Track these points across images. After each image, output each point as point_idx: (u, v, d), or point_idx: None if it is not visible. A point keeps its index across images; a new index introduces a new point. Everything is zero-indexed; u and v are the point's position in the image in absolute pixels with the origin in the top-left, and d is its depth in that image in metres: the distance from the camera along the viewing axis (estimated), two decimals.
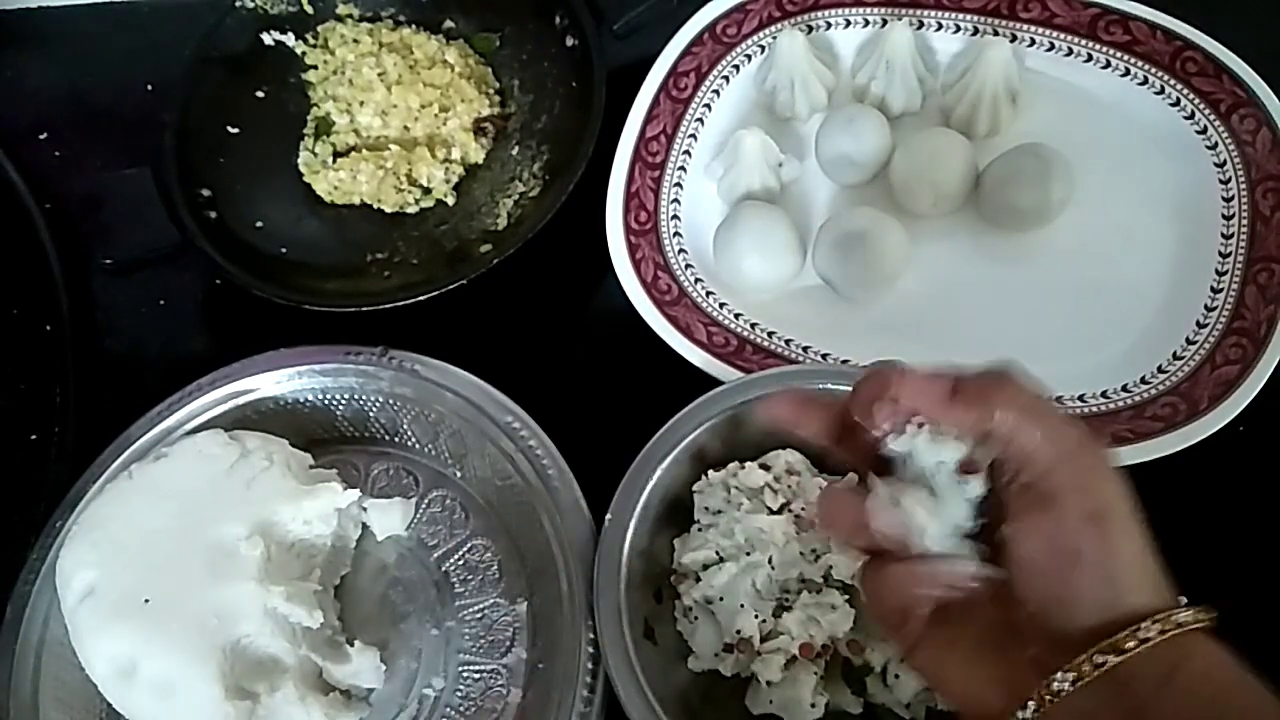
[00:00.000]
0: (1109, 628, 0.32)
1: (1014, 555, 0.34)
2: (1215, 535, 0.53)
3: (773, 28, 0.67)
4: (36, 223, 0.68)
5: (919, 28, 0.66)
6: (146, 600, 0.47)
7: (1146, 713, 0.31)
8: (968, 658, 0.35)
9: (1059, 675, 0.32)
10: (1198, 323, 0.56)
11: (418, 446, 0.59)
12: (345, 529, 0.55)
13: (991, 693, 0.34)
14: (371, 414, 0.59)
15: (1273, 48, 0.61)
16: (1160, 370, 0.55)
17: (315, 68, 0.73)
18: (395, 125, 0.71)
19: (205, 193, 0.67)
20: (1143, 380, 0.55)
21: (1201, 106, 0.61)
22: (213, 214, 0.66)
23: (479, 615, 0.54)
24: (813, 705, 0.47)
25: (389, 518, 0.56)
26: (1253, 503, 0.55)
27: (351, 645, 0.51)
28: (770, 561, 0.49)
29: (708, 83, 0.67)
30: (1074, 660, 0.32)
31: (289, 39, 0.73)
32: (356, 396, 0.58)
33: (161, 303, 0.68)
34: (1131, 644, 0.31)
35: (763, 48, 0.67)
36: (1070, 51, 0.64)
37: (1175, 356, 0.56)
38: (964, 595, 0.35)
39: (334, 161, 0.70)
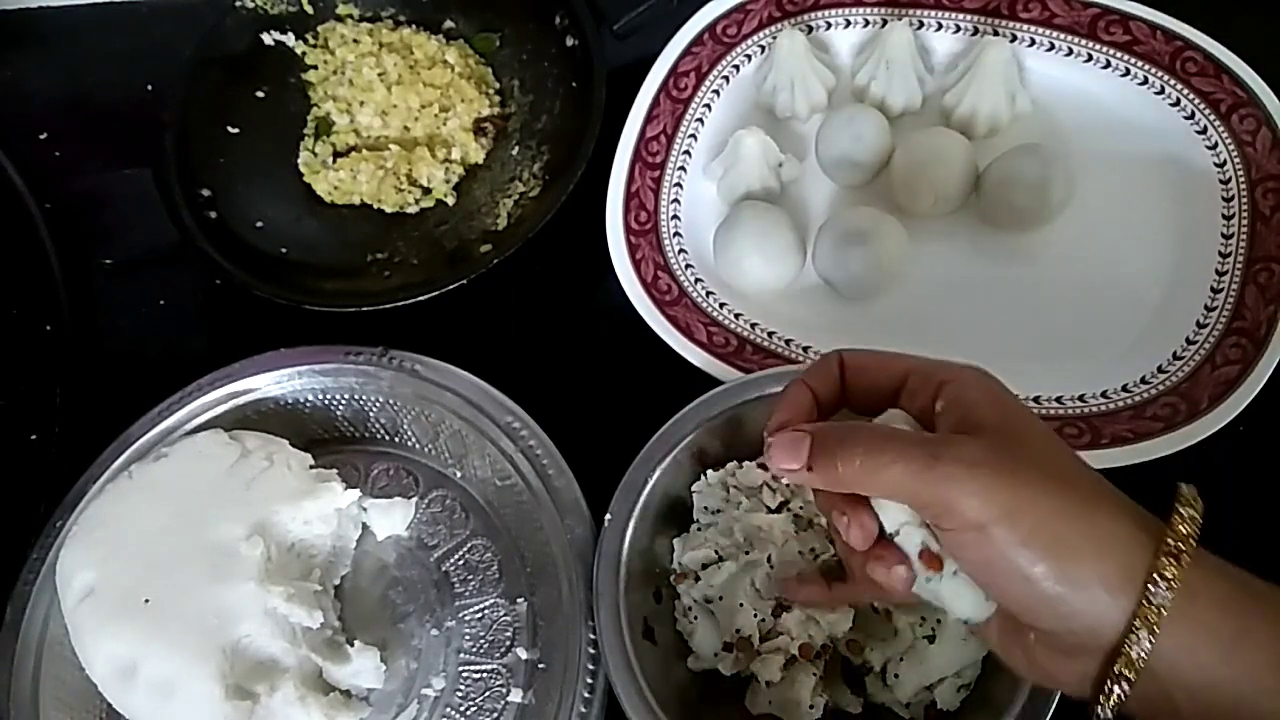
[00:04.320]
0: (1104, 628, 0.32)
1: (961, 564, 0.34)
2: (1215, 536, 0.53)
3: (773, 28, 0.67)
4: (36, 223, 0.68)
5: (919, 28, 0.66)
6: (146, 600, 0.47)
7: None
8: (1000, 634, 0.35)
9: (1114, 693, 0.32)
10: (1198, 323, 0.56)
11: (418, 446, 0.59)
12: (345, 529, 0.55)
13: (1029, 668, 0.35)
14: (371, 414, 0.59)
15: (1273, 48, 0.61)
16: (1160, 370, 0.55)
17: (315, 68, 0.73)
18: (395, 125, 0.71)
19: (205, 193, 0.67)
20: (1143, 380, 0.55)
21: (1201, 106, 0.61)
22: (213, 214, 0.66)
23: (479, 615, 0.54)
24: (812, 706, 0.47)
25: (389, 518, 0.56)
26: (1253, 503, 0.55)
27: (351, 645, 0.51)
28: (769, 560, 0.49)
29: (708, 83, 0.67)
30: (1110, 686, 0.32)
31: (289, 39, 0.73)
32: (356, 396, 0.58)
33: (161, 303, 0.68)
34: (1147, 634, 0.31)
35: (763, 48, 0.67)
36: (1070, 51, 0.64)
37: (1175, 356, 0.56)
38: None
39: (334, 161, 0.70)
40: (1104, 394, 0.55)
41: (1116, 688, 0.32)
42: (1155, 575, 0.31)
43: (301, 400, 0.59)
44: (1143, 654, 0.31)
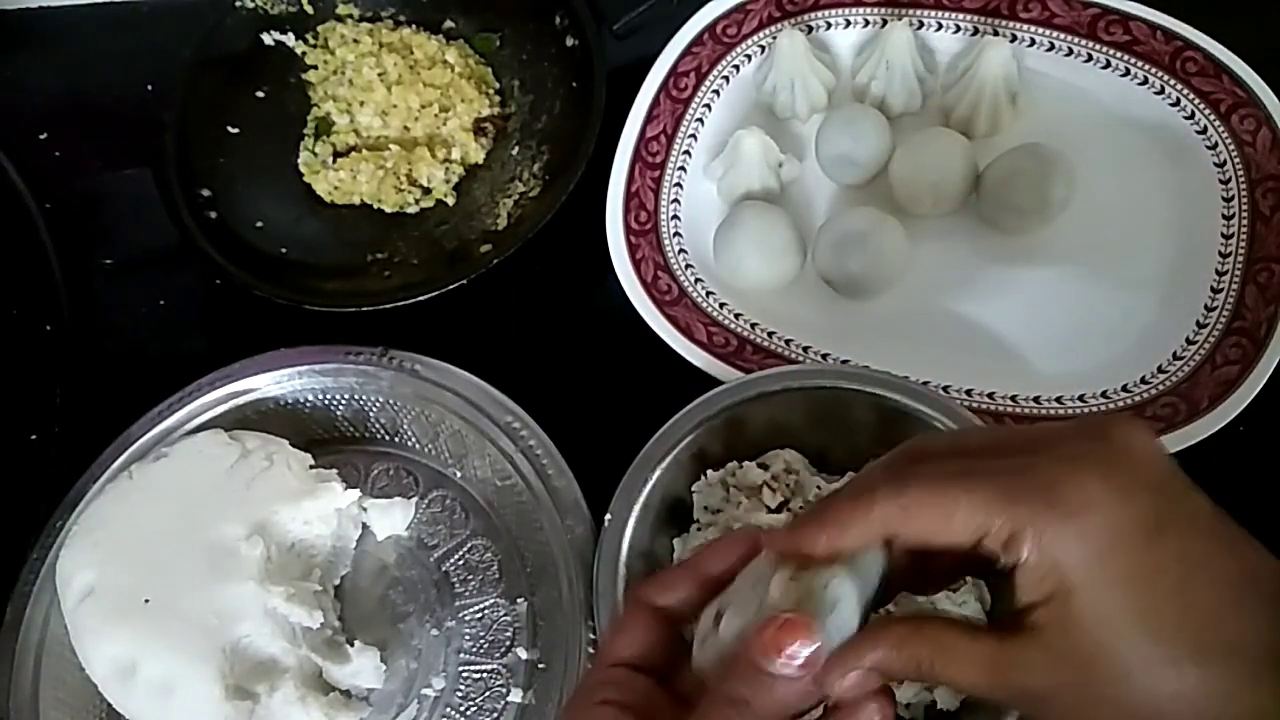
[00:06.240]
0: None
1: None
2: None
3: (773, 28, 0.67)
4: (36, 223, 0.68)
5: (919, 28, 0.66)
6: (146, 600, 0.47)
7: None
8: None
9: None
10: (1198, 323, 0.56)
11: (418, 446, 0.59)
12: (345, 529, 0.55)
13: None
14: (371, 414, 0.59)
15: (1273, 48, 0.61)
16: (1160, 370, 0.55)
17: (315, 68, 0.73)
18: (395, 125, 0.71)
19: (205, 193, 0.67)
20: (1143, 380, 0.55)
21: (1201, 106, 0.61)
22: (213, 214, 0.66)
23: (479, 615, 0.54)
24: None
25: (389, 518, 0.56)
26: (1253, 503, 0.55)
27: (351, 645, 0.51)
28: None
29: (708, 83, 0.67)
30: None
31: (289, 39, 0.73)
32: (356, 396, 0.58)
33: (161, 303, 0.68)
34: None
35: (763, 48, 0.67)
36: (1070, 51, 0.64)
37: (1175, 356, 0.56)
38: None
39: (334, 161, 0.70)
40: (1104, 394, 0.55)
41: None
42: None
43: (301, 400, 0.59)
44: None
